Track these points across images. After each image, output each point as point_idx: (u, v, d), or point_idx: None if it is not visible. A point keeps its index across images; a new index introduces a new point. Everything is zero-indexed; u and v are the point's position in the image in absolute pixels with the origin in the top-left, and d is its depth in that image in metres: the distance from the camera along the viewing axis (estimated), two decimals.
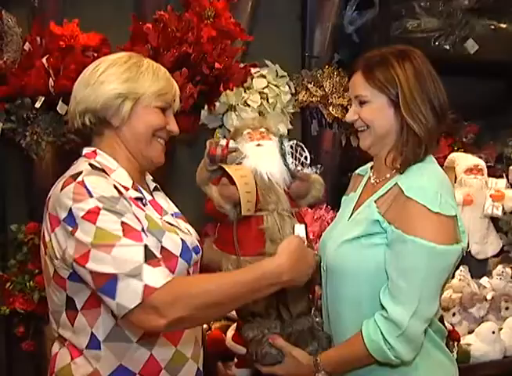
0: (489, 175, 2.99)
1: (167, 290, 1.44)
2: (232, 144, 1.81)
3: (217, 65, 2.57)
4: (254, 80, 3.02)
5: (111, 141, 1.65)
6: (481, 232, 2.87)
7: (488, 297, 2.56)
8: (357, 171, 1.92)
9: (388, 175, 1.69)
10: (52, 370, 1.64)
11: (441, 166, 2.91)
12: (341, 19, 3.40)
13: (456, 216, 1.59)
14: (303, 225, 1.72)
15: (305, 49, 3.41)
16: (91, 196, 1.49)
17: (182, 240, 1.63)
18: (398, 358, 1.56)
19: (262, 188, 1.76)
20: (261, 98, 3.02)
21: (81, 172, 1.54)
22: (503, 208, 2.88)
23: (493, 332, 2.41)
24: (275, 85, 3.08)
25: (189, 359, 1.65)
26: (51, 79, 2.54)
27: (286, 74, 3.13)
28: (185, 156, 3.09)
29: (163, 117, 1.67)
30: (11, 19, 2.57)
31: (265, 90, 3.04)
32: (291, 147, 1.84)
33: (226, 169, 1.75)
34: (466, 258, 2.77)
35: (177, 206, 1.85)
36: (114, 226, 1.48)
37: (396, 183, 1.63)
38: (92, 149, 1.66)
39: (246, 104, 3.00)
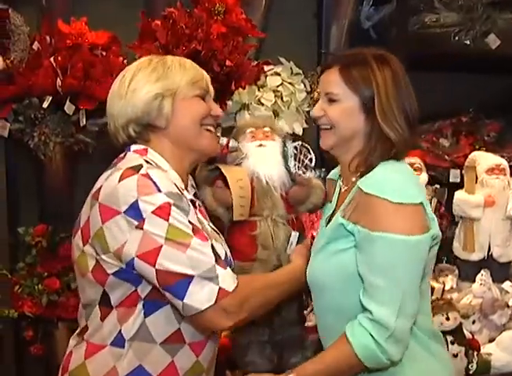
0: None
1: (236, 293, 1.50)
2: (232, 143, 1.76)
3: (228, 62, 2.51)
4: (267, 78, 2.95)
5: (159, 144, 1.62)
6: (504, 234, 2.76)
7: (510, 303, 2.45)
8: (328, 176, 1.85)
9: (354, 179, 1.61)
10: (65, 366, 1.62)
11: (462, 166, 2.89)
12: (358, 14, 3.32)
13: (422, 203, 1.50)
14: (297, 234, 1.72)
15: (321, 46, 3.34)
16: (159, 190, 1.47)
17: (225, 251, 1.64)
18: (389, 360, 1.47)
19: (259, 192, 1.72)
20: (276, 96, 2.95)
21: (141, 165, 1.52)
22: None
23: None
24: (290, 83, 3.00)
25: (205, 370, 1.64)
26: (58, 78, 2.50)
27: (301, 71, 3.06)
28: None
29: (205, 104, 1.65)
30: (18, 18, 2.54)
31: (280, 88, 2.96)
32: (295, 149, 1.79)
33: (222, 171, 1.71)
34: (488, 262, 2.70)
35: None
36: (185, 224, 1.48)
37: (358, 187, 1.55)
38: (143, 147, 1.63)
39: (259, 103, 2.93)
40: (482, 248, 2.72)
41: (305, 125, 3.00)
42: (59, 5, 2.78)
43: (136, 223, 1.45)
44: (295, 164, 1.77)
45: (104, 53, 2.59)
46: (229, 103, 2.80)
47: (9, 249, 2.69)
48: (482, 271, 2.58)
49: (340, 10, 3.28)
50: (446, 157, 3.08)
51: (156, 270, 1.45)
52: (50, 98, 2.51)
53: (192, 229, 1.49)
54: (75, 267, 1.63)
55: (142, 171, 1.50)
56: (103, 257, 1.51)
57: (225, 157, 1.75)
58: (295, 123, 2.98)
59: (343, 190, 1.67)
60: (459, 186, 2.88)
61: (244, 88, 2.72)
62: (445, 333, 2.17)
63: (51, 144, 2.58)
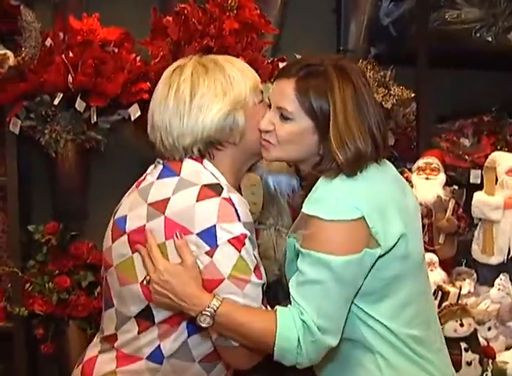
0: None
1: None
2: None
3: (241, 59, 2.45)
4: None
5: (221, 160, 1.53)
6: None
7: None
8: None
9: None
10: (88, 372, 1.54)
11: (483, 166, 2.81)
12: (377, 11, 3.27)
13: (362, 217, 1.40)
14: None
15: (340, 43, 3.30)
16: (239, 219, 1.42)
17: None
18: (296, 363, 1.41)
19: (265, 199, 1.66)
20: None
21: (219, 185, 1.45)
22: None
23: None
24: None
25: None
26: (70, 75, 2.48)
27: None
28: None
29: (266, 108, 1.55)
30: (30, 15, 2.53)
31: None
32: None
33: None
34: (508, 266, 2.62)
35: None
36: (251, 259, 1.43)
37: None
38: (196, 156, 1.52)
39: None
40: (502, 251, 2.64)
41: None
42: (73, 1, 2.77)
43: (208, 249, 1.40)
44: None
45: (116, 50, 2.57)
46: None
47: (21, 247, 2.69)
48: (501, 275, 2.49)
49: (359, 6, 3.24)
50: (466, 157, 3.01)
51: (146, 324, 1.45)
52: (61, 95, 2.50)
53: (256, 265, 1.44)
54: (111, 273, 1.53)
55: (224, 194, 1.43)
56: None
57: None
58: None
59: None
60: (480, 187, 2.80)
61: None
62: (459, 339, 2.11)
63: (62, 141, 2.58)
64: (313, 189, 1.45)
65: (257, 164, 1.65)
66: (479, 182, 2.87)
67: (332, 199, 1.40)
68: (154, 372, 1.48)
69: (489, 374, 2.13)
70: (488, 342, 2.27)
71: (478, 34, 2.99)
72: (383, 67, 3.01)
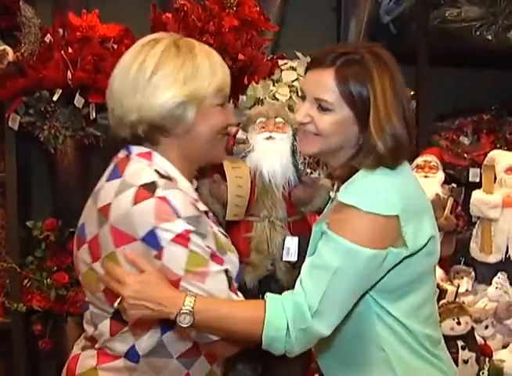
0: None
1: None
2: (240, 135, 1.67)
3: (240, 56, 2.46)
4: (283, 72, 2.91)
5: (168, 149, 1.49)
6: None
7: None
8: None
9: (336, 186, 1.54)
10: (72, 368, 1.53)
11: (482, 165, 2.82)
12: (377, 8, 3.28)
13: (397, 216, 1.39)
14: (295, 239, 1.60)
15: (340, 41, 3.31)
16: (178, 216, 1.37)
17: (236, 257, 1.53)
18: (285, 351, 1.38)
19: (259, 190, 1.63)
20: (291, 91, 2.90)
21: (155, 184, 1.40)
22: None
23: None
24: None
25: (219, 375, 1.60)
26: (69, 71, 2.48)
27: None
28: None
29: (224, 114, 1.51)
30: (29, 11, 2.54)
31: (295, 83, 2.92)
32: None
33: (224, 165, 1.62)
34: (506, 264, 2.63)
35: None
36: (204, 251, 1.40)
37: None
38: (146, 149, 1.48)
39: (274, 98, 2.88)
40: (500, 250, 2.65)
41: None
42: None
43: (155, 252, 1.37)
44: (305, 160, 1.66)
45: (116, 46, 2.56)
46: (243, 97, 2.76)
47: (19, 243, 2.69)
48: (499, 274, 2.51)
49: (359, 4, 3.25)
50: (466, 155, 3.02)
51: (119, 325, 1.42)
52: (60, 91, 2.50)
53: (212, 255, 1.41)
54: (82, 279, 1.53)
55: (159, 193, 1.38)
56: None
57: (231, 148, 1.66)
58: None
59: (331, 195, 1.57)
60: (479, 185, 2.80)
61: (257, 83, 2.68)
62: (455, 338, 2.12)
63: (61, 137, 2.57)
64: (351, 180, 1.42)
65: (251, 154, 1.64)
66: (478, 180, 2.88)
67: (372, 191, 1.38)
68: (132, 370, 1.47)
69: (486, 372, 2.13)
70: (485, 340, 2.28)
71: (478, 33, 2.99)
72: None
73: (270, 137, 1.65)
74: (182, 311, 1.33)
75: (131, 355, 1.46)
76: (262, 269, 1.66)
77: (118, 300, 1.37)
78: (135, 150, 1.49)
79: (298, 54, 3.01)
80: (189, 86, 1.43)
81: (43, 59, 2.52)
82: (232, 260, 1.50)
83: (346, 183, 1.43)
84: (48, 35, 2.58)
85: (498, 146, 3.11)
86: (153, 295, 1.35)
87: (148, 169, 1.44)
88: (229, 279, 1.43)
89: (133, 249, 1.38)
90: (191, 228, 1.38)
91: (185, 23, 2.45)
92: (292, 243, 1.63)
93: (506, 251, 2.65)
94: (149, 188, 1.39)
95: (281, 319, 1.35)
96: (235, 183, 1.59)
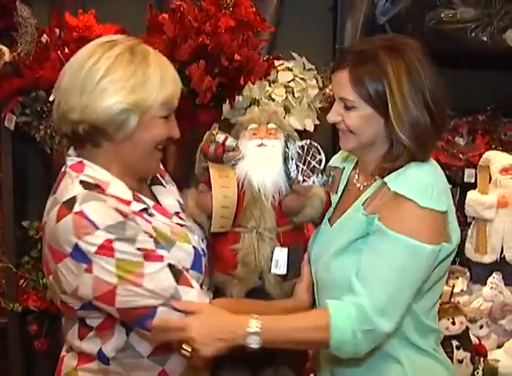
0: None
1: None
2: (230, 142, 1.58)
3: (236, 57, 2.46)
4: (279, 73, 2.93)
5: (107, 153, 1.49)
6: None
7: None
8: (333, 163, 1.75)
9: (372, 180, 1.56)
10: (58, 372, 1.59)
11: (477, 165, 2.83)
12: (373, 9, 3.26)
13: (446, 212, 1.45)
14: (284, 250, 1.55)
15: (336, 41, 3.30)
16: (97, 227, 1.37)
17: (194, 248, 1.54)
18: (354, 353, 1.42)
19: (248, 199, 1.55)
20: (287, 92, 2.92)
21: (74, 199, 1.40)
22: None
23: None
24: (302, 79, 2.97)
25: (201, 367, 1.57)
26: None
27: (313, 67, 3.02)
28: None
29: (167, 127, 1.51)
30: (26, 11, 2.55)
31: (291, 84, 2.94)
32: (302, 148, 1.58)
33: (210, 173, 1.56)
34: (501, 264, 2.65)
35: None
36: (134, 255, 1.40)
37: (382, 183, 1.50)
38: (77, 159, 1.50)
39: (270, 98, 2.91)
40: (495, 250, 2.67)
41: (317, 122, 2.96)
42: None
43: (85, 266, 1.38)
44: (298, 168, 1.56)
45: None
46: (239, 97, 2.77)
47: (15, 243, 2.70)
48: (494, 274, 2.52)
49: (355, 5, 3.24)
50: (461, 156, 3.02)
51: (117, 309, 1.41)
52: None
53: (145, 256, 1.41)
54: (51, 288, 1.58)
55: (76, 208, 1.39)
56: (63, 297, 1.46)
57: (221, 156, 1.59)
58: (306, 119, 2.95)
59: (359, 186, 1.61)
60: (474, 185, 2.82)
61: (254, 83, 2.68)
62: (450, 338, 2.13)
63: (57, 137, 2.57)
64: (401, 171, 1.46)
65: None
66: (473, 180, 2.89)
67: (430, 186, 1.43)
68: (106, 372, 1.51)
69: (480, 372, 2.15)
70: (479, 340, 2.30)
71: (474, 34, 2.98)
72: None
73: (261, 144, 1.57)
74: (250, 332, 1.36)
75: (102, 357, 1.49)
76: (249, 282, 1.57)
77: (189, 348, 1.37)
78: (69, 161, 1.51)
79: (294, 55, 3.02)
80: (136, 95, 1.43)
81: (39, 60, 2.53)
82: (184, 249, 1.51)
83: (396, 174, 1.47)
84: (45, 35, 2.59)
85: (493, 146, 3.10)
86: (219, 326, 1.37)
87: (74, 183, 1.45)
88: (176, 272, 1.43)
89: (66, 266, 1.40)
90: (112, 237, 1.38)
91: (181, 23, 2.45)
92: (281, 255, 1.55)
93: (501, 252, 2.67)
94: (68, 205, 1.40)
95: (346, 323, 1.38)
96: (221, 194, 1.53)
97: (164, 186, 1.68)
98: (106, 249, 1.37)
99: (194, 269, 1.53)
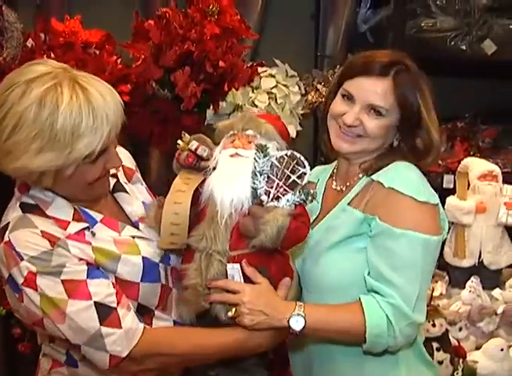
0: (506, 182, 2.87)
1: (140, 346, 1.42)
2: (201, 151, 1.47)
3: (221, 63, 2.49)
4: (262, 79, 2.96)
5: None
6: (495, 241, 2.75)
7: (499, 311, 2.45)
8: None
9: (356, 178, 1.62)
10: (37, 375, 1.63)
11: (455, 171, 2.88)
12: (355, 17, 3.33)
13: (438, 204, 1.54)
14: (236, 266, 1.41)
15: (318, 48, 3.35)
16: (21, 258, 1.36)
17: (143, 258, 1.49)
18: (389, 346, 1.48)
19: (207, 216, 1.44)
20: (270, 98, 2.96)
21: (7, 226, 1.40)
22: None
23: (502, 349, 2.30)
24: (285, 85, 3.01)
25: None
26: None
27: (296, 73, 3.06)
28: None
29: (97, 167, 1.41)
30: (12, 15, 2.53)
31: (274, 90, 2.97)
32: (281, 160, 1.43)
33: (172, 185, 1.48)
34: (479, 269, 2.70)
35: None
36: (56, 290, 1.37)
37: (370, 181, 1.57)
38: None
39: (253, 104, 2.93)
40: (473, 255, 2.72)
41: (299, 128, 3.00)
42: (55, 3, 2.79)
43: (17, 295, 1.39)
44: (269, 184, 1.41)
45: (98, 52, 2.58)
46: (223, 103, 2.80)
47: None
48: (472, 278, 2.57)
49: (337, 12, 3.29)
50: (440, 162, 3.07)
51: (51, 336, 1.45)
52: None
53: (68, 290, 1.37)
54: None
55: (6, 237, 1.38)
56: (16, 314, 1.49)
57: (190, 165, 1.48)
58: (289, 126, 2.96)
59: (338, 189, 1.66)
60: (453, 191, 2.87)
61: (237, 90, 2.72)
62: (430, 339, 2.17)
63: None
64: (391, 167, 1.54)
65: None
66: (452, 186, 2.94)
67: (420, 182, 1.51)
68: (76, 375, 1.52)
69: (460, 372, 2.19)
70: (458, 342, 2.34)
71: (453, 43, 3.04)
72: None
73: (236, 154, 1.44)
74: (294, 314, 1.41)
75: (70, 361, 1.51)
76: (195, 304, 1.47)
77: (234, 309, 1.41)
78: (18, 180, 1.48)
79: (277, 61, 3.05)
80: (42, 158, 1.32)
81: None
82: (130, 262, 1.47)
83: (385, 171, 1.54)
84: (30, 40, 2.59)
85: (471, 153, 3.17)
86: (268, 302, 1.43)
87: (15, 207, 1.43)
88: (104, 311, 1.39)
89: (8, 290, 1.42)
90: (34, 269, 1.36)
91: (167, 30, 2.47)
92: (234, 271, 1.43)
93: (479, 256, 2.72)
94: (1, 232, 1.40)
95: (381, 316, 1.44)
96: (171, 209, 1.42)
97: (127, 192, 1.61)
98: (30, 282, 1.36)
99: (146, 280, 1.49)
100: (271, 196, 1.41)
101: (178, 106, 2.54)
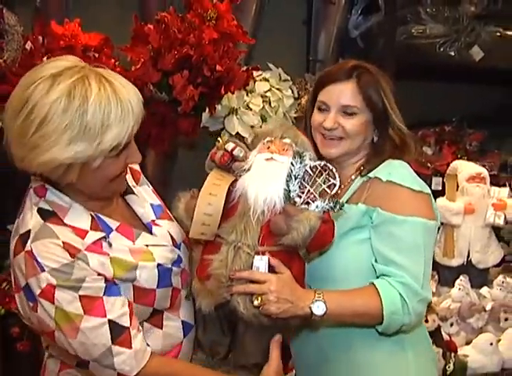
0: (492, 184, 2.97)
1: (147, 373, 1.43)
2: (237, 152, 1.52)
3: (218, 67, 2.54)
4: (256, 83, 3.01)
5: (64, 184, 1.43)
6: (483, 241, 2.83)
7: (488, 307, 2.52)
8: None
9: (350, 180, 1.73)
10: None
11: (444, 174, 2.95)
12: (346, 23, 3.41)
13: (430, 194, 1.67)
14: (265, 258, 1.47)
15: (309, 53, 3.42)
16: (42, 270, 1.35)
17: (158, 265, 1.51)
18: (404, 324, 1.57)
19: (239, 212, 1.49)
20: (264, 101, 3.00)
21: (28, 234, 1.37)
22: (505, 218, 2.85)
23: (491, 344, 2.38)
24: (278, 89, 3.06)
25: None
26: None
27: (289, 77, 3.12)
28: (185, 158, 3.08)
29: (119, 162, 1.43)
30: (12, 18, 2.56)
31: (268, 94, 3.02)
32: (314, 169, 1.50)
33: (206, 180, 1.53)
34: (467, 268, 2.76)
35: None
36: (74, 304, 1.37)
37: (366, 179, 1.68)
38: (40, 182, 1.45)
39: (248, 107, 2.98)
40: (462, 254, 2.79)
41: None
42: (53, 6, 2.82)
43: (31, 305, 1.38)
44: (302, 189, 1.48)
45: (97, 55, 2.62)
46: (218, 107, 2.84)
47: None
48: (461, 276, 2.64)
49: (329, 18, 3.37)
50: (429, 164, 3.15)
51: (60, 348, 1.42)
52: None
53: (85, 306, 1.37)
54: None
55: (27, 246, 1.36)
56: (23, 319, 1.48)
57: (225, 164, 1.54)
58: None
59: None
60: (441, 193, 2.94)
61: (233, 93, 2.76)
62: None
63: None
64: (386, 164, 1.66)
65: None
66: (440, 188, 3.02)
67: (413, 175, 1.66)
68: (88, 375, 1.50)
69: (452, 366, 2.26)
70: (450, 337, 2.41)
71: (442, 49, 3.14)
72: None
73: (271, 158, 1.50)
74: (315, 300, 1.50)
75: (82, 362, 1.46)
76: (217, 296, 1.50)
77: (260, 298, 1.46)
78: (33, 182, 1.48)
79: (271, 65, 3.10)
80: (73, 149, 1.32)
81: (25, 66, 2.56)
82: (147, 269, 1.48)
83: (382, 168, 1.66)
84: (29, 42, 2.62)
85: (459, 156, 3.26)
86: (292, 291, 1.50)
87: (33, 211, 1.42)
88: (117, 330, 1.40)
89: (20, 299, 1.40)
90: (54, 282, 1.35)
91: (166, 34, 2.51)
92: (261, 262, 1.47)
93: (468, 256, 2.79)
94: (23, 240, 1.38)
95: (394, 294, 1.55)
96: (206, 200, 1.47)
97: (136, 194, 1.62)
98: (48, 293, 1.35)
99: (161, 286, 1.50)
100: (301, 200, 1.48)
101: (175, 108, 2.57)
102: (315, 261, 1.66)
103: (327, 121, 1.69)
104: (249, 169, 1.50)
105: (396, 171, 1.64)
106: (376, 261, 1.61)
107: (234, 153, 1.52)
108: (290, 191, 1.48)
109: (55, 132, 1.30)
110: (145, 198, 1.64)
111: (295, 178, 1.48)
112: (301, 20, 3.45)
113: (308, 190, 1.47)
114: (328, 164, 1.51)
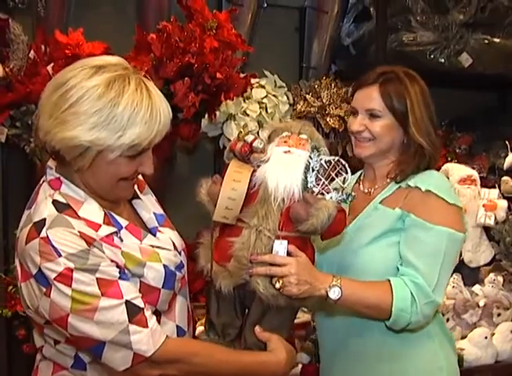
0: (481, 186, 3.05)
1: (163, 354, 1.45)
2: (257, 143, 1.60)
3: (218, 75, 2.61)
4: (253, 90, 3.08)
5: (73, 174, 1.46)
6: (474, 241, 2.93)
7: (481, 304, 2.62)
8: None
9: (385, 182, 1.82)
10: None
11: None
12: (339, 31, 3.49)
13: (462, 208, 1.76)
14: (284, 242, 1.56)
15: (303, 60, 3.48)
16: (59, 255, 1.37)
17: (164, 266, 1.54)
18: (411, 323, 1.65)
19: (259, 198, 1.57)
20: (260, 108, 3.07)
21: (43, 221, 1.39)
22: (495, 218, 2.94)
23: (485, 337, 2.47)
24: (274, 95, 3.13)
25: None
26: None
27: (284, 84, 3.20)
28: (185, 164, 3.15)
29: (132, 164, 1.45)
30: (17, 28, 2.63)
31: (264, 100, 3.10)
32: (329, 163, 1.58)
33: (228, 167, 1.61)
34: (460, 266, 2.84)
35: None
36: (91, 286, 1.39)
37: (404, 186, 1.76)
38: (56, 175, 1.48)
39: (245, 113, 3.05)
40: None
41: None
42: (55, 15, 2.88)
43: (44, 290, 1.38)
44: (318, 181, 1.57)
45: None
46: (217, 113, 2.91)
47: (4, 251, 2.77)
48: (454, 275, 2.72)
49: (321, 26, 3.43)
50: None
51: (70, 335, 1.41)
52: None
53: (102, 287, 1.39)
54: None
55: (43, 233, 1.37)
56: (28, 311, 1.47)
57: (245, 155, 1.61)
58: None
59: (365, 191, 1.86)
60: None
61: (232, 100, 2.84)
62: None
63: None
64: (427, 174, 1.75)
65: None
66: None
67: (450, 188, 1.77)
68: None
69: None
70: None
71: (432, 56, 3.22)
72: (344, 84, 3.21)
73: (288, 151, 1.59)
74: (332, 284, 1.59)
75: (78, 364, 1.49)
76: (237, 276, 1.58)
77: (281, 281, 1.54)
78: (49, 175, 1.50)
79: (266, 72, 3.18)
80: (95, 133, 1.37)
81: (30, 75, 2.62)
82: (154, 268, 1.51)
83: (420, 177, 1.75)
84: (32, 51, 2.68)
85: (449, 159, 3.35)
86: (310, 273, 1.58)
87: (47, 203, 1.43)
88: (133, 310, 1.42)
89: (30, 286, 1.40)
90: (72, 266, 1.37)
91: (167, 43, 2.59)
92: (280, 247, 1.56)
93: (460, 255, 2.87)
94: (38, 227, 1.39)
95: (406, 292, 1.64)
96: (230, 186, 1.56)
97: (141, 199, 1.66)
98: (64, 277, 1.37)
99: (166, 287, 1.53)
100: (317, 191, 1.58)
101: (176, 115, 2.63)
102: (350, 260, 1.76)
103: (354, 125, 1.80)
104: (267, 161, 1.58)
105: (435, 181, 1.74)
106: (401, 264, 1.70)
107: (254, 144, 1.60)
108: (307, 182, 1.57)
109: (84, 114, 1.36)
110: (148, 207, 1.68)
111: (312, 170, 1.57)
112: (294, 28, 3.51)
113: (323, 182, 1.57)
114: (341, 160, 1.59)
